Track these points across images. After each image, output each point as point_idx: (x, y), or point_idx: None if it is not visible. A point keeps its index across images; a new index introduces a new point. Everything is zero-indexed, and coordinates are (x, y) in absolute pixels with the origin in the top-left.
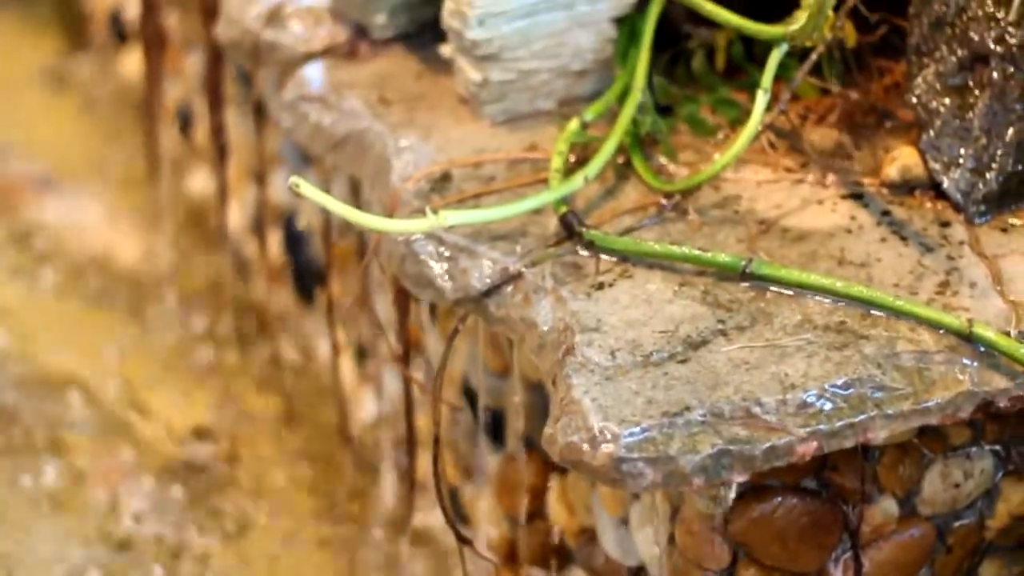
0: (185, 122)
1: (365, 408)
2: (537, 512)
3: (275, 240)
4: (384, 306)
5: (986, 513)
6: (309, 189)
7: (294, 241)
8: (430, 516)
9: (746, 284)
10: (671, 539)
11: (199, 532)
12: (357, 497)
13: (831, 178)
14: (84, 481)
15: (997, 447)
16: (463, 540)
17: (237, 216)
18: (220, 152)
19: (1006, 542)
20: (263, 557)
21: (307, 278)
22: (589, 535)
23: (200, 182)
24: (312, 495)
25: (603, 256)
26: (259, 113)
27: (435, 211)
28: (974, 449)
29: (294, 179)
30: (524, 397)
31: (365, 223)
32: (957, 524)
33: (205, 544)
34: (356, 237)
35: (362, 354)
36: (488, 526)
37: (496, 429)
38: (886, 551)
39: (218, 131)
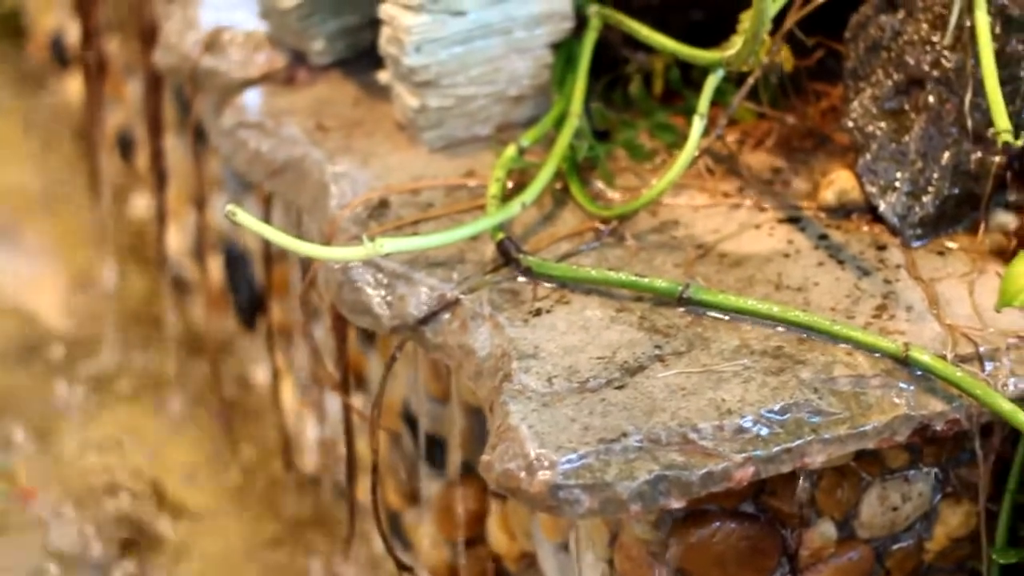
0: (126, 147)
1: (307, 433)
2: (478, 537)
3: (216, 265)
4: (324, 332)
5: (924, 536)
6: (245, 217)
7: (235, 266)
8: (375, 541)
9: (683, 309)
10: (610, 564)
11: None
12: (300, 521)
13: (768, 202)
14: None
15: (935, 470)
16: (402, 567)
17: (177, 241)
18: (159, 177)
19: (944, 564)
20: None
21: (248, 303)
22: (529, 560)
23: (142, 207)
24: (254, 520)
25: (540, 282)
26: (199, 139)
27: (371, 239)
28: (912, 472)
29: (230, 207)
30: (464, 423)
31: (301, 251)
32: (895, 547)
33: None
34: (296, 262)
35: (301, 380)
36: (429, 551)
37: (437, 455)
38: (825, 574)
39: (157, 156)
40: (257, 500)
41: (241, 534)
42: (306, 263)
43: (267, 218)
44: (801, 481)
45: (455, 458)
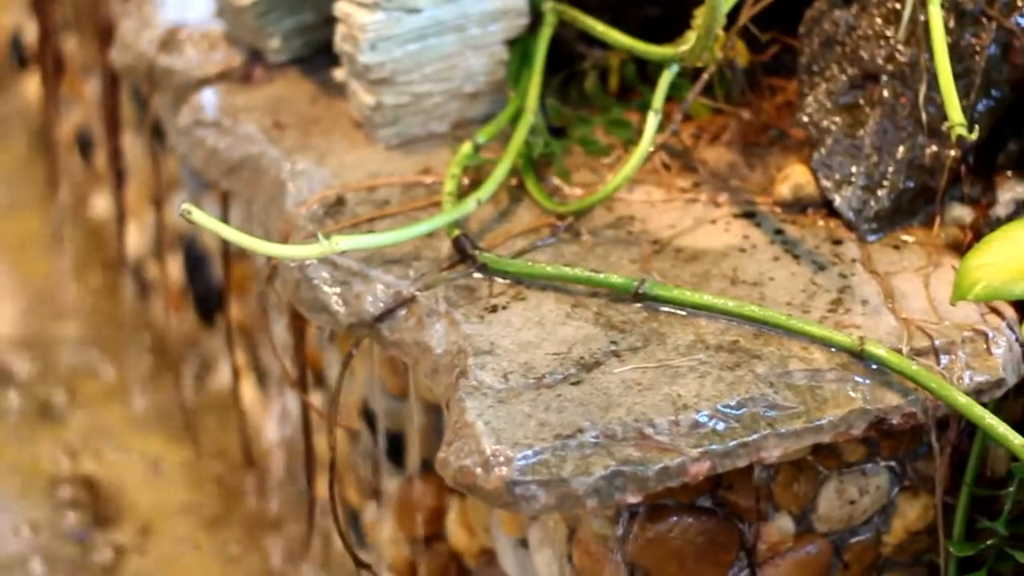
0: (85, 147)
1: (267, 431)
2: (437, 534)
3: (175, 263)
4: (283, 329)
5: (882, 529)
6: (200, 216)
7: (194, 264)
8: (336, 540)
9: (639, 305)
10: (569, 560)
11: (96, 553)
12: (260, 520)
13: (724, 197)
14: None
15: (892, 463)
16: (360, 564)
17: (137, 239)
18: (118, 176)
19: (903, 558)
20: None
21: (208, 301)
22: (489, 556)
23: (102, 207)
24: (215, 519)
25: (496, 279)
26: (156, 138)
27: (328, 236)
28: (869, 466)
29: (185, 206)
30: (422, 419)
31: (257, 249)
32: (853, 540)
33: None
34: (254, 260)
35: (263, 377)
36: (389, 549)
37: (396, 452)
38: (783, 568)
39: (115, 156)
40: (217, 498)
41: (200, 533)
42: (263, 261)
43: (225, 217)
44: (758, 475)
45: (414, 455)
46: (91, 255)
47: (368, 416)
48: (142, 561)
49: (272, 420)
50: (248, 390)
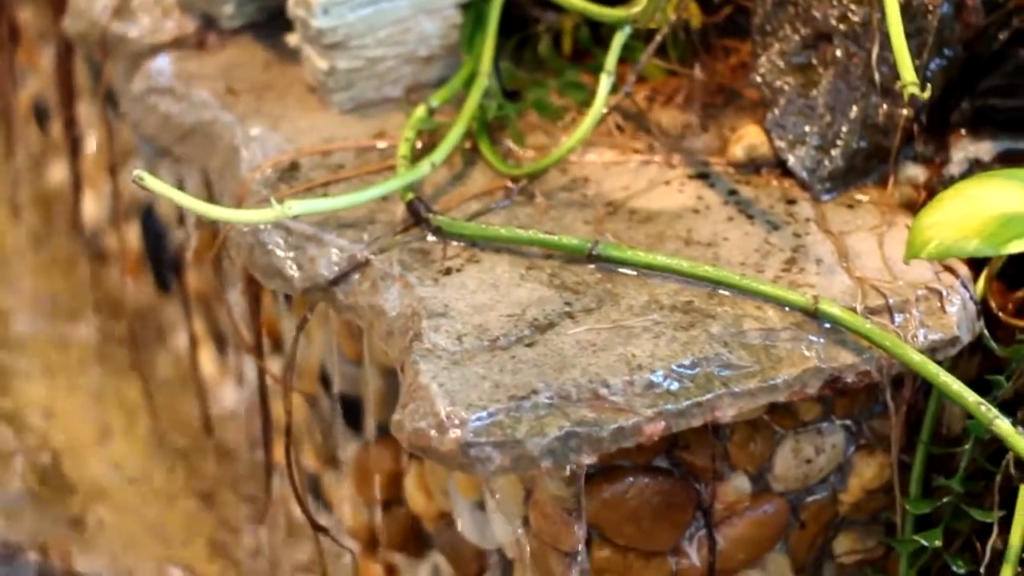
0: (42, 116)
1: (226, 398)
2: (395, 498)
3: (133, 231)
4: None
5: (839, 488)
6: (153, 182)
7: (151, 232)
8: (295, 505)
9: (593, 266)
10: (525, 522)
11: (52, 524)
12: (219, 487)
13: (678, 159)
14: None
15: (848, 422)
16: (318, 528)
17: (94, 208)
18: (73, 145)
19: (859, 516)
20: (123, 548)
21: (165, 269)
22: (447, 520)
23: (59, 176)
24: (173, 486)
25: (450, 242)
26: (111, 105)
27: (281, 201)
28: (825, 424)
29: (137, 172)
30: (379, 384)
31: (210, 214)
32: (810, 499)
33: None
34: (210, 227)
35: (221, 344)
36: (349, 514)
37: (353, 416)
38: (740, 528)
39: (70, 124)
40: (176, 466)
41: (159, 500)
42: (220, 228)
43: (180, 184)
44: (713, 435)
45: (371, 420)
46: (48, 224)
47: (326, 382)
48: (95, 528)
49: (230, 387)
50: (206, 357)
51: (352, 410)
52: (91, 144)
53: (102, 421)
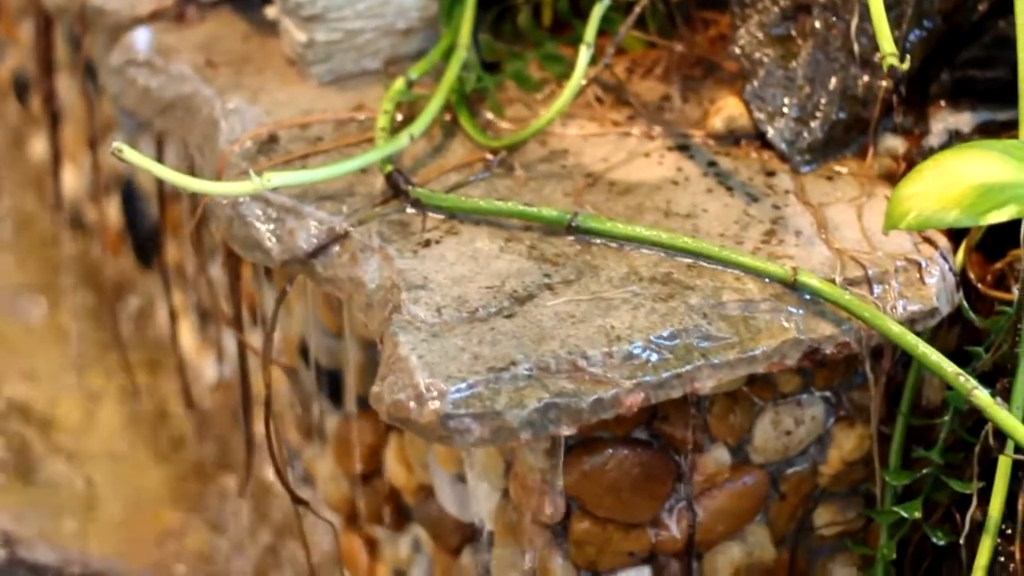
0: (22, 90)
1: (206, 372)
2: (376, 471)
3: (113, 205)
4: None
5: (818, 460)
6: (132, 154)
7: (132, 205)
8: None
9: (572, 238)
10: (505, 494)
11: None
12: (199, 460)
13: (657, 130)
14: None
15: (827, 394)
16: (297, 500)
17: (74, 181)
18: (52, 118)
19: (839, 488)
20: (107, 524)
21: (145, 242)
22: (427, 492)
23: (40, 150)
24: (153, 460)
25: (430, 214)
26: (91, 79)
27: (260, 173)
28: (804, 396)
29: (116, 144)
30: (359, 356)
31: (189, 187)
32: (790, 471)
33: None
34: (190, 201)
35: (202, 318)
36: (329, 486)
37: (334, 389)
38: (719, 499)
39: (49, 97)
40: (157, 439)
41: (139, 474)
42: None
43: (160, 157)
44: (693, 406)
45: (351, 393)
46: (29, 198)
47: (306, 354)
48: (76, 500)
49: (210, 361)
50: (186, 331)
51: (333, 383)
52: (71, 118)
53: (82, 394)
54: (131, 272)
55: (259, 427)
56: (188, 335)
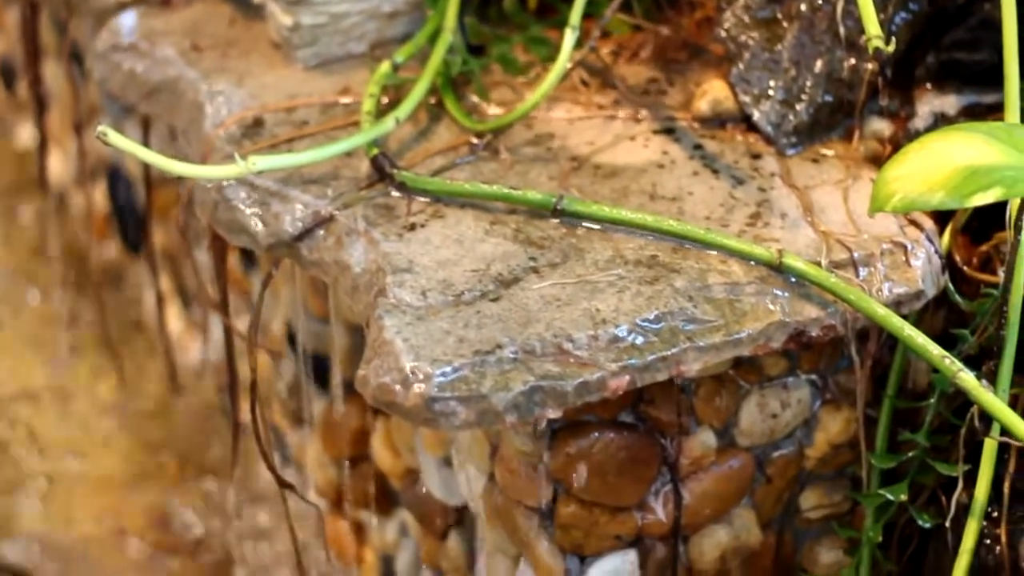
0: (8, 76)
1: (192, 356)
2: (362, 455)
3: (100, 190)
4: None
5: (805, 443)
6: (116, 137)
7: (118, 191)
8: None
9: (558, 221)
10: (491, 478)
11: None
12: (186, 445)
13: (643, 114)
14: None
15: (813, 377)
16: (283, 484)
17: (60, 167)
18: (39, 104)
19: (825, 471)
20: (90, 507)
21: (133, 227)
22: (413, 476)
23: (27, 136)
24: (140, 446)
25: (415, 197)
26: (77, 64)
27: (244, 157)
28: (790, 379)
29: (101, 128)
30: (345, 341)
31: (174, 170)
32: (776, 454)
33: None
34: (176, 186)
35: (188, 302)
36: (316, 471)
37: (320, 374)
38: (705, 483)
39: (36, 83)
40: (144, 425)
41: (127, 459)
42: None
43: (146, 142)
44: (678, 390)
45: (338, 377)
46: (16, 184)
47: (292, 339)
48: (62, 486)
49: (197, 345)
50: (173, 316)
51: (319, 368)
52: (58, 103)
53: (68, 380)
54: (118, 257)
55: (245, 411)
56: (175, 319)
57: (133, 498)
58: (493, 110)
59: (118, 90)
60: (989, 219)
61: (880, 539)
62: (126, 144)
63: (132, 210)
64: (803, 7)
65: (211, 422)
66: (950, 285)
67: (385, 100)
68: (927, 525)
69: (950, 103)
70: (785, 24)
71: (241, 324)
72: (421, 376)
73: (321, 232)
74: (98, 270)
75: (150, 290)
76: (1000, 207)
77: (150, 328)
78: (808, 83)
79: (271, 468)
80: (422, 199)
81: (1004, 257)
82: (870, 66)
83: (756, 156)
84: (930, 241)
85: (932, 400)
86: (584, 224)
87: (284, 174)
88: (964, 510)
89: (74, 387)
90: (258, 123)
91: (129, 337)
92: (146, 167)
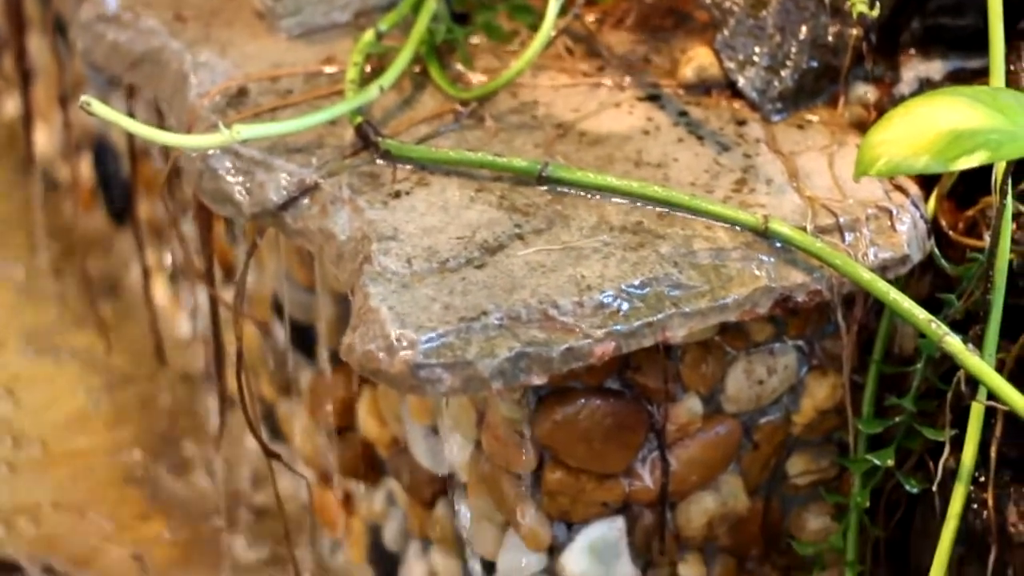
0: None
1: (179, 328)
2: (349, 425)
3: (85, 163)
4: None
5: (791, 409)
6: (100, 107)
7: (104, 163)
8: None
9: (543, 188)
10: (478, 445)
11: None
12: (173, 417)
13: (628, 81)
14: None
15: (800, 343)
16: (270, 454)
17: (46, 140)
18: (24, 76)
19: (812, 437)
20: (80, 483)
21: (119, 200)
22: (401, 446)
23: (12, 108)
24: (127, 419)
25: (400, 165)
26: (61, 36)
27: (229, 126)
28: (777, 345)
29: (84, 98)
30: (331, 311)
31: (158, 139)
32: (763, 420)
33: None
34: (162, 157)
35: (176, 275)
36: (303, 441)
37: (307, 344)
38: (692, 449)
39: (21, 55)
40: (131, 398)
41: (114, 432)
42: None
43: (131, 114)
44: (665, 356)
45: (324, 347)
46: (4, 158)
47: (279, 310)
48: (43, 457)
49: (184, 317)
50: (159, 288)
51: (305, 338)
52: (43, 76)
53: (55, 353)
54: (104, 229)
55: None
56: (161, 291)
57: (116, 473)
58: (478, 78)
59: (102, 61)
60: (975, 184)
61: (867, 504)
62: (109, 114)
63: (118, 183)
64: None
65: (198, 393)
66: (936, 250)
67: (369, 69)
68: (914, 490)
69: (935, 68)
70: None
71: (228, 296)
72: (406, 343)
73: (306, 201)
74: (84, 242)
75: (136, 262)
76: (985, 172)
77: (136, 299)
78: (793, 49)
79: (257, 436)
80: (407, 167)
81: (990, 221)
82: (855, 32)
83: (741, 122)
84: (916, 206)
85: (918, 365)
86: (569, 191)
87: (268, 143)
88: (951, 475)
89: (62, 359)
90: (242, 93)
91: (114, 308)
92: (131, 139)
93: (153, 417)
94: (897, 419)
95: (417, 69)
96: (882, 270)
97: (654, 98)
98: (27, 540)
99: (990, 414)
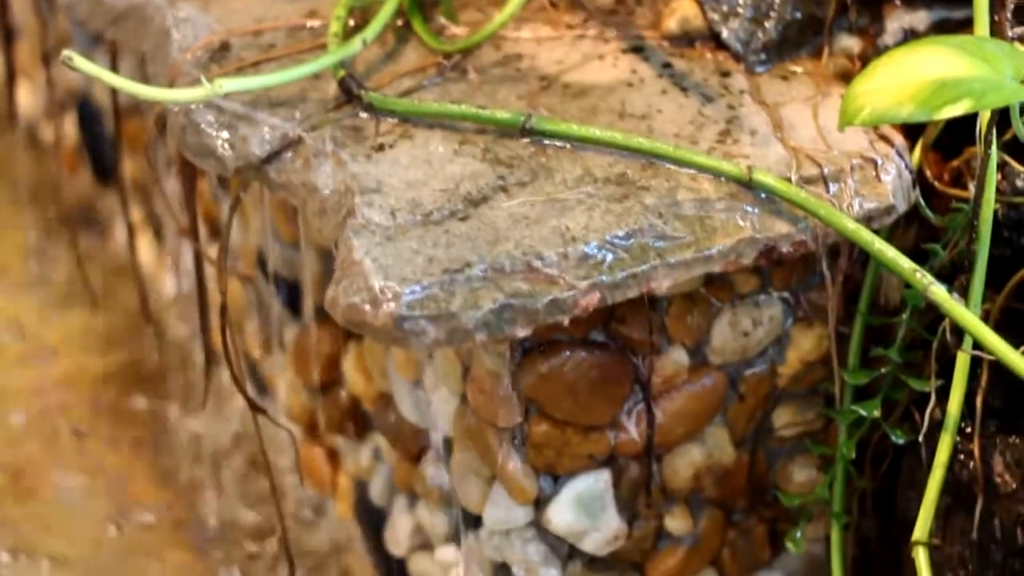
0: None
1: (165, 286)
2: (335, 381)
3: (70, 122)
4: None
5: (777, 360)
6: (82, 62)
7: (89, 122)
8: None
9: (526, 140)
10: (463, 399)
11: None
12: (160, 375)
13: (611, 33)
14: None
15: (785, 294)
16: (255, 408)
17: (29, 99)
18: (6, 34)
19: (798, 389)
20: (68, 448)
21: (104, 158)
22: (386, 400)
23: None
24: (116, 378)
25: (383, 118)
26: None
27: (211, 80)
28: (762, 297)
29: (66, 52)
30: (316, 266)
31: (139, 94)
32: (748, 372)
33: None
34: (145, 114)
35: (159, 231)
36: (288, 397)
37: (292, 300)
38: (678, 401)
39: (3, 12)
40: (117, 356)
41: (101, 390)
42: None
43: (115, 71)
44: (650, 308)
45: (309, 302)
46: None
47: (264, 265)
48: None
49: (169, 275)
50: (145, 246)
51: (290, 294)
52: (26, 34)
53: (42, 314)
54: (89, 189)
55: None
56: (147, 250)
57: (102, 431)
58: (461, 31)
59: (84, 16)
60: (959, 135)
61: (854, 456)
62: (91, 68)
63: (102, 141)
64: None
65: (183, 349)
66: (921, 200)
67: (352, 23)
68: (901, 441)
69: (920, 19)
70: None
71: (212, 253)
72: (390, 295)
73: (289, 154)
74: (69, 201)
75: (121, 220)
76: (970, 122)
77: (122, 258)
78: (777, 0)
79: (242, 391)
80: (390, 120)
81: (975, 172)
82: None
83: (725, 74)
84: (900, 156)
85: (904, 316)
86: (553, 143)
87: (251, 97)
88: (937, 425)
89: (48, 318)
90: (225, 47)
91: (101, 268)
92: (115, 97)
93: (139, 375)
94: (883, 370)
95: (400, 23)
96: (867, 220)
97: (638, 50)
98: None
99: (976, 364)
